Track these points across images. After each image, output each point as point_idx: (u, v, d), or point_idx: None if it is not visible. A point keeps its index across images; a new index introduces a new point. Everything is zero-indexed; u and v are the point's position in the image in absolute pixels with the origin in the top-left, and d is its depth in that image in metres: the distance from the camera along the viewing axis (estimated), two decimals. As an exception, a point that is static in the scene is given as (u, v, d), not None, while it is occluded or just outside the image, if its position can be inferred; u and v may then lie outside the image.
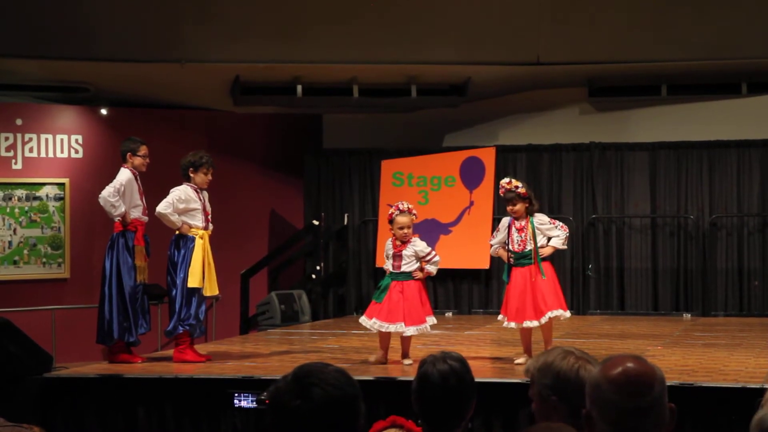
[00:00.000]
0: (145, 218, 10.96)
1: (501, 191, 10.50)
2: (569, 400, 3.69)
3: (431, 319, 10.46)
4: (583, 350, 3.84)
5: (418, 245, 10.42)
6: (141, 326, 10.86)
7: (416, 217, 10.52)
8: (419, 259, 10.37)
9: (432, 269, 10.48)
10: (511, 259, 10.44)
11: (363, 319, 10.44)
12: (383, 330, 10.32)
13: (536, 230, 10.35)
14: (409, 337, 10.43)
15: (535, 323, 10.29)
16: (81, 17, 14.84)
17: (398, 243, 10.35)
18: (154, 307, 11.41)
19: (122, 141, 11.24)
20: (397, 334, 10.38)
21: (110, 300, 10.77)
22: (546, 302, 10.24)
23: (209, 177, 10.98)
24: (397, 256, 10.35)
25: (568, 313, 10.44)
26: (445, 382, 4.11)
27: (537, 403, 3.79)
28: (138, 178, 10.96)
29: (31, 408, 9.51)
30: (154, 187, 11.25)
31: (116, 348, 10.80)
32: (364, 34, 15.61)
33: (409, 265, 10.33)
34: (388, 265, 10.47)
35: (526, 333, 10.41)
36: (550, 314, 10.22)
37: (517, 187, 10.32)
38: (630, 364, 3.20)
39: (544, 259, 10.36)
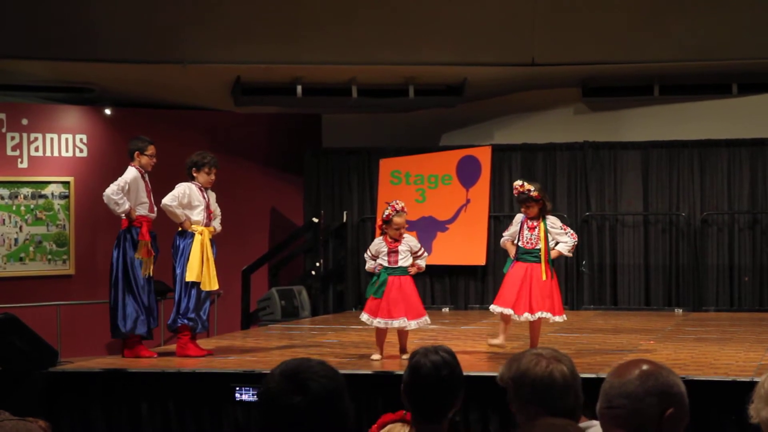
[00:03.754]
0: (152, 215, 11.05)
1: (514, 192, 10.62)
2: (547, 404, 3.72)
3: (425, 315, 10.68)
4: (552, 348, 3.86)
5: (412, 240, 10.63)
6: (149, 321, 11.00)
7: (406, 214, 10.68)
8: (412, 254, 10.55)
9: (423, 264, 10.65)
10: (516, 254, 10.58)
11: (366, 317, 10.52)
12: (387, 327, 10.43)
13: (547, 232, 10.51)
14: (407, 332, 10.57)
15: (528, 316, 10.40)
16: (85, 20, 14.88)
17: (391, 240, 10.49)
18: (158, 303, 11.53)
19: (130, 139, 11.29)
20: (394, 329, 10.49)
21: (117, 295, 10.88)
22: (539, 302, 10.36)
23: (212, 177, 11.06)
24: (393, 252, 10.47)
25: (558, 318, 10.50)
26: (437, 372, 4.16)
27: (518, 410, 3.79)
28: (145, 176, 11.06)
29: (37, 402, 9.54)
30: (156, 187, 11.27)
31: (130, 342, 10.92)
32: (362, 36, 15.67)
33: (405, 260, 10.49)
34: (373, 264, 10.59)
35: (507, 318, 10.53)
36: (539, 314, 10.34)
37: (529, 190, 10.44)
38: (638, 359, 3.28)
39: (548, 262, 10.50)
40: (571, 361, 3.85)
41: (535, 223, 10.50)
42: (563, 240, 10.57)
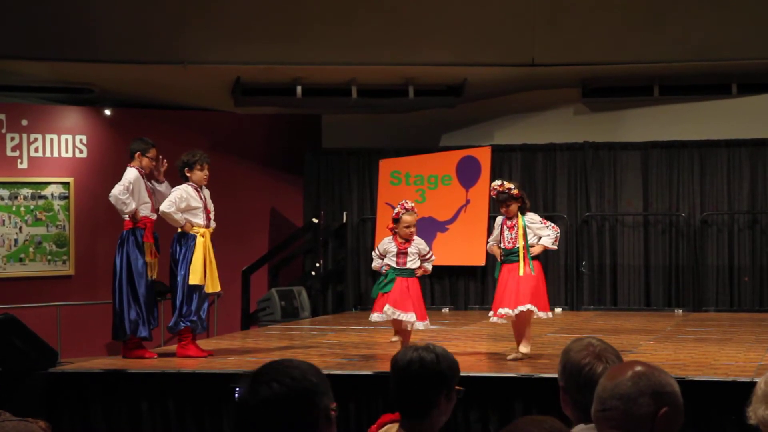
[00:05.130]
0: (154, 215, 11.02)
1: (492, 193, 10.58)
2: (571, 390, 3.81)
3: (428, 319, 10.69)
4: (611, 348, 3.90)
5: (421, 243, 10.58)
6: (150, 322, 11.00)
7: (417, 215, 10.67)
8: (420, 257, 10.56)
9: (429, 267, 10.65)
10: (501, 256, 10.58)
11: (375, 315, 10.47)
12: (396, 317, 10.38)
13: (527, 228, 10.46)
14: (410, 332, 10.54)
15: (508, 311, 10.32)
16: (85, 20, 14.93)
17: (401, 241, 10.47)
18: (157, 303, 11.53)
19: (133, 140, 11.29)
20: (399, 325, 10.46)
21: (121, 296, 10.87)
22: (521, 296, 10.31)
23: (206, 172, 11.00)
24: (402, 254, 10.44)
25: (543, 314, 10.41)
26: (407, 368, 4.21)
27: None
28: (145, 176, 11.07)
29: (37, 402, 9.52)
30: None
31: (131, 344, 10.91)
32: (362, 36, 15.71)
33: (413, 262, 10.46)
34: (380, 263, 10.55)
35: (517, 328, 10.56)
36: (521, 308, 10.25)
37: (510, 188, 10.41)
38: (637, 365, 3.27)
39: (533, 258, 10.45)
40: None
41: (514, 222, 10.49)
42: (545, 234, 10.53)
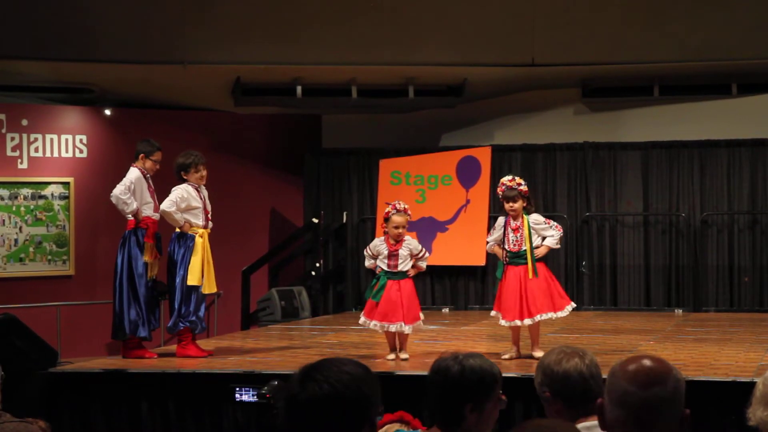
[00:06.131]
0: (157, 215, 11.01)
1: (501, 188, 10.49)
2: (558, 393, 3.85)
3: (421, 316, 10.63)
4: (583, 348, 3.98)
5: (413, 243, 10.53)
6: (151, 322, 11.02)
7: (410, 217, 10.64)
8: (413, 257, 10.53)
9: (423, 265, 10.62)
10: (506, 258, 10.52)
11: (364, 320, 10.54)
12: (384, 330, 10.44)
13: (531, 230, 10.45)
14: (406, 334, 10.56)
15: (526, 322, 10.33)
16: (85, 20, 14.92)
17: (393, 242, 10.43)
18: (159, 303, 11.53)
19: (140, 141, 11.30)
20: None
21: (121, 296, 10.88)
22: (536, 304, 10.29)
23: (202, 173, 10.98)
24: (393, 256, 10.41)
25: (561, 313, 10.42)
26: (434, 376, 4.17)
27: (542, 401, 3.96)
28: (147, 177, 11.07)
29: (37, 402, 9.54)
30: (156, 188, 11.26)
31: (131, 344, 10.92)
32: (362, 36, 15.70)
33: (404, 264, 10.43)
34: (372, 263, 10.55)
35: (515, 328, 10.49)
36: (538, 317, 10.27)
37: (520, 184, 10.40)
38: (646, 360, 3.27)
39: (538, 260, 10.43)
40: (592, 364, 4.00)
41: (518, 223, 10.45)
42: (549, 234, 10.50)
